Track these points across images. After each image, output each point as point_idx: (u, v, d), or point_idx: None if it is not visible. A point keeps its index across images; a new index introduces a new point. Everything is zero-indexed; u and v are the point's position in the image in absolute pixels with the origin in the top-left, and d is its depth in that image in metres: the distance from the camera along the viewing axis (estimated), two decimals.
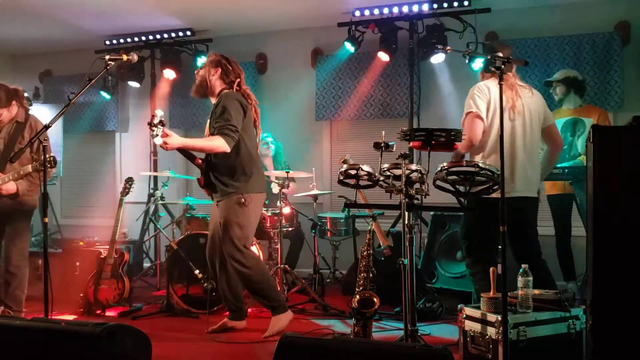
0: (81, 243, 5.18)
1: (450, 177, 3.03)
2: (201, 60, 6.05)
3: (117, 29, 6.36)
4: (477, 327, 3.01)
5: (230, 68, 3.83)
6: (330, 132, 6.35)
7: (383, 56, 5.59)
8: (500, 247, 2.70)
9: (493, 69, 2.85)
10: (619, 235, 2.49)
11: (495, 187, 2.99)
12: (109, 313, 4.54)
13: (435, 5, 5.37)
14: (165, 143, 3.35)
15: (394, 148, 3.16)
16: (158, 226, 5.63)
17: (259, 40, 6.46)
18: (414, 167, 3.11)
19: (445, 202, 3.80)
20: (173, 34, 6.36)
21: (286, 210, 4.87)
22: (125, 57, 3.27)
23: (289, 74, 6.35)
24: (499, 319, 2.80)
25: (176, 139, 3.43)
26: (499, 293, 2.82)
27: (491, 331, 2.90)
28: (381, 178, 3.19)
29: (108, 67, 3.27)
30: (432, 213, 5.04)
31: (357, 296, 3.26)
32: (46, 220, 3.14)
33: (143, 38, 6.45)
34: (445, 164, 3.04)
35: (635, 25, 5.22)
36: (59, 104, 6.73)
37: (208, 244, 3.93)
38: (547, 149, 3.70)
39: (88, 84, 3.18)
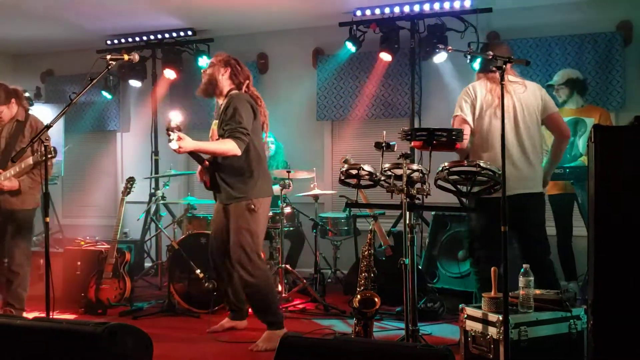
0: (82, 243, 5.18)
1: (451, 177, 3.03)
2: (202, 60, 6.05)
3: (118, 29, 6.37)
4: (478, 327, 3.01)
5: (240, 69, 3.78)
6: (332, 132, 6.34)
7: (384, 56, 5.59)
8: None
9: (494, 68, 2.85)
10: (621, 236, 2.48)
11: (497, 187, 2.99)
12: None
13: (436, 5, 5.36)
14: (179, 147, 3.32)
15: (395, 148, 3.16)
16: (159, 226, 5.63)
17: (260, 40, 6.46)
18: (415, 166, 3.11)
19: (446, 202, 3.80)
20: (174, 34, 6.37)
21: (287, 210, 4.87)
22: (126, 57, 3.27)
23: (290, 74, 6.34)
24: (500, 318, 2.80)
25: (189, 143, 3.37)
26: (500, 293, 2.82)
27: (492, 331, 2.90)
28: (382, 178, 3.19)
29: (109, 67, 3.27)
30: (433, 213, 5.03)
31: (358, 296, 3.26)
32: (48, 219, 3.16)
33: (144, 38, 6.46)
34: (446, 164, 3.04)
35: (637, 25, 5.21)
36: (60, 103, 6.73)
37: (210, 244, 3.91)
38: (553, 140, 3.65)
39: (89, 84, 3.18)
